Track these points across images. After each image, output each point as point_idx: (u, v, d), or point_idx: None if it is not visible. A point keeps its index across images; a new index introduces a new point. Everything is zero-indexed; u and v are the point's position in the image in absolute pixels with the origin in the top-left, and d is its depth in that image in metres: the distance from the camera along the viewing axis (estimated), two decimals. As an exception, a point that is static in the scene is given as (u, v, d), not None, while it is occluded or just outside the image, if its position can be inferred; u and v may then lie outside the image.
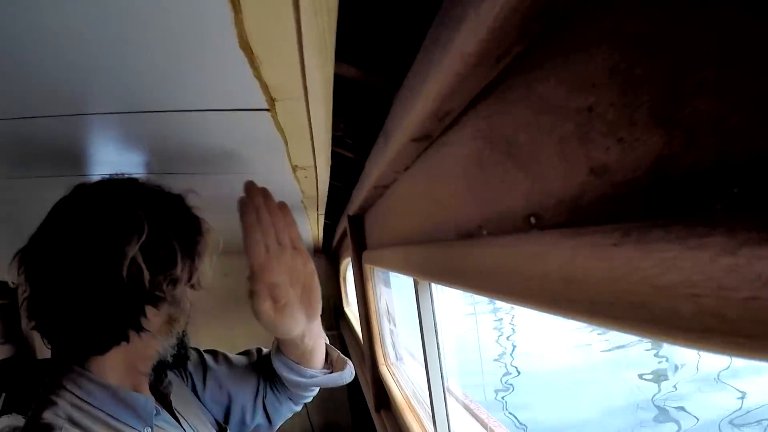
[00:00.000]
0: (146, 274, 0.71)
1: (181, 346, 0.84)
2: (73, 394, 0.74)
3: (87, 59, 0.47)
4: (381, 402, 1.69)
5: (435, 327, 0.89)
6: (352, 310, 3.10)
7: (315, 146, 0.84)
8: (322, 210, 1.85)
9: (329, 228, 2.65)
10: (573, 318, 0.31)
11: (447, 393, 0.92)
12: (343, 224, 1.99)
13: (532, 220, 0.41)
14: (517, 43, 0.37)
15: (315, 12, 0.41)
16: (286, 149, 0.87)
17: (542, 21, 0.34)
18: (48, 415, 0.70)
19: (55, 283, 0.71)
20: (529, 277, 0.35)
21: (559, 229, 0.33)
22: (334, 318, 3.56)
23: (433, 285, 0.95)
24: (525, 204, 0.42)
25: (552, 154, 0.37)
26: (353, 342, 2.76)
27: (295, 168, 1.03)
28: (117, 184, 0.77)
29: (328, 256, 3.67)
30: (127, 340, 0.75)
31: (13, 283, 0.78)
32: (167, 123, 0.69)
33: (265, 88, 0.56)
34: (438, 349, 0.89)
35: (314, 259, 2.82)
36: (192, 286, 0.80)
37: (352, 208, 1.56)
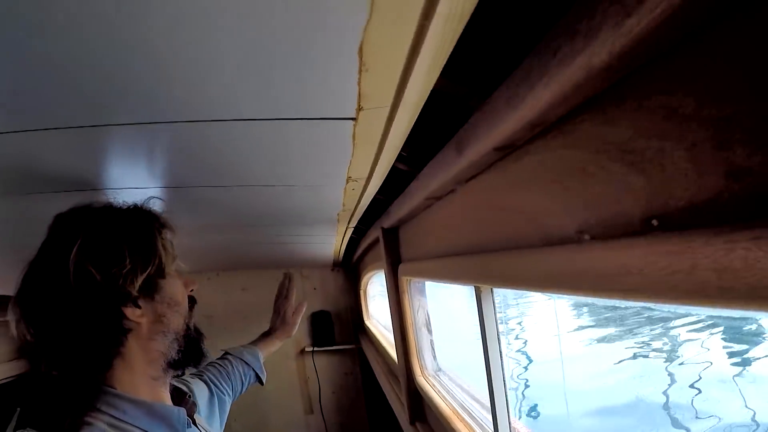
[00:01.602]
0: (97, 275, 0.76)
1: (189, 342, 0.90)
2: (107, 413, 0.78)
3: (169, 69, 0.50)
4: (416, 414, 1.71)
5: (497, 334, 0.92)
6: (373, 323, 3.12)
7: (380, 158, 0.88)
8: (354, 223, 1.88)
9: (352, 242, 2.68)
10: (726, 306, 0.35)
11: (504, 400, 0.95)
12: (372, 237, 2.03)
13: (654, 222, 0.44)
14: (647, 57, 0.41)
15: (446, 18, 0.44)
16: (350, 160, 0.90)
17: (678, 35, 0.38)
18: None
19: (39, 321, 0.77)
20: (671, 272, 0.39)
21: (703, 228, 0.37)
22: (353, 332, 3.58)
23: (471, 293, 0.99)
24: (645, 208, 0.45)
25: (681, 159, 0.40)
26: (376, 355, 2.78)
27: (348, 180, 1.07)
28: (64, 216, 0.83)
29: (345, 270, 3.70)
30: (121, 343, 0.80)
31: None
32: (230, 132, 0.71)
33: (358, 96, 0.60)
34: (501, 355, 0.92)
35: (332, 273, 2.87)
36: (160, 275, 0.85)
37: (389, 221, 1.60)
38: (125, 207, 0.87)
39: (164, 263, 0.85)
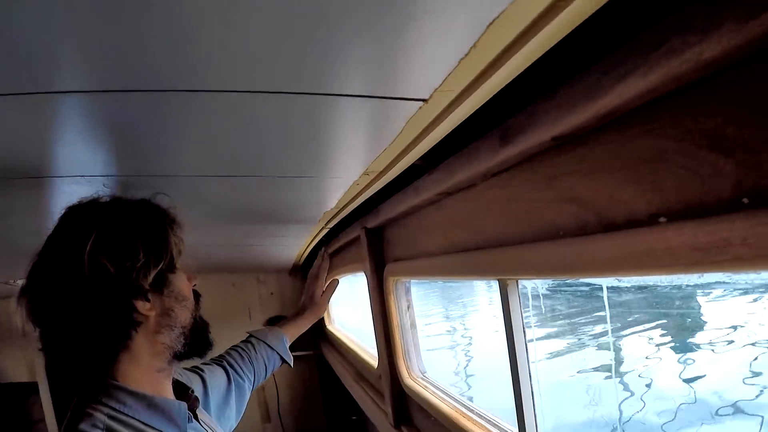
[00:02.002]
0: (111, 268, 0.78)
1: (195, 334, 0.93)
2: (108, 405, 0.81)
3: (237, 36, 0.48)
4: (401, 418, 1.71)
5: (524, 329, 0.94)
6: (336, 328, 3.10)
7: (414, 148, 0.88)
8: (333, 224, 1.87)
9: (317, 244, 2.65)
10: None
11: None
12: (346, 238, 2.02)
13: (745, 200, 0.47)
14: (756, 52, 0.44)
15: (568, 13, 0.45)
16: (384, 149, 0.89)
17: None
18: (85, 426, 0.77)
19: (48, 312, 0.80)
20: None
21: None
22: (312, 338, 3.54)
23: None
24: (734, 189, 0.48)
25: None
26: (342, 360, 2.76)
27: (365, 173, 1.06)
28: (71, 210, 0.86)
29: (304, 275, 3.65)
30: (129, 336, 0.83)
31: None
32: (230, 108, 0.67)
33: (447, 76, 0.59)
34: (527, 351, 0.94)
35: (289, 278, 2.83)
36: (171, 270, 0.89)
37: (375, 220, 1.59)
38: (135, 200, 0.89)
39: (175, 258, 0.89)
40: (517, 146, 0.75)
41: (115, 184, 1.02)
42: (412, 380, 1.60)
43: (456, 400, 1.31)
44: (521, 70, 0.58)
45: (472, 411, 1.22)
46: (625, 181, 0.62)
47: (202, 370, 1.24)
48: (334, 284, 1.78)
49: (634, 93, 0.53)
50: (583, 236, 0.70)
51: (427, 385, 1.51)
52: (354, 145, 0.89)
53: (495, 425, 1.13)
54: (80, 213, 0.85)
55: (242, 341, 1.47)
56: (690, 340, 9.80)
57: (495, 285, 0.94)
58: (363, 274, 1.97)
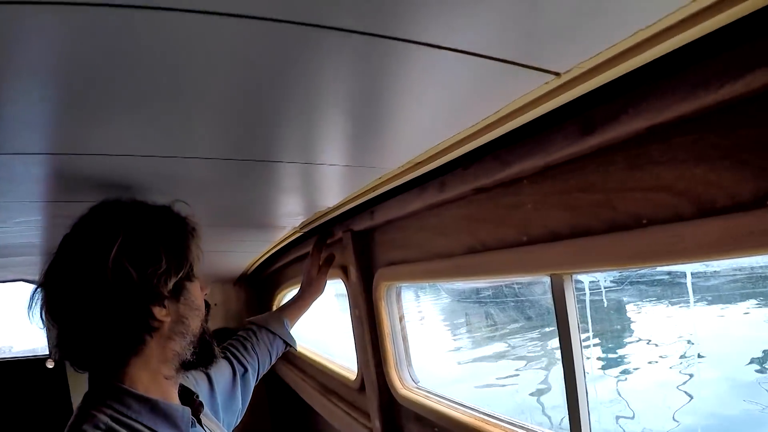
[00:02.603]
0: (133, 273, 0.80)
1: (203, 344, 0.95)
2: (112, 407, 0.82)
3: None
4: (392, 431, 1.63)
5: (578, 326, 0.90)
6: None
7: (488, 131, 0.82)
8: (314, 225, 1.77)
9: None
10: None
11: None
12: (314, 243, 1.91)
13: None
14: None
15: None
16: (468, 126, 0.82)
17: None
18: (87, 427, 0.78)
19: (66, 308, 0.81)
20: None
21: None
22: None
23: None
24: None
25: None
26: (302, 375, 2.64)
27: (409, 163, 0.99)
28: (96, 210, 0.87)
29: (249, 285, 3.48)
30: (143, 342, 0.85)
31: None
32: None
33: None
34: (581, 349, 0.90)
35: (234, 288, 2.70)
36: (189, 278, 0.90)
37: (363, 223, 1.52)
38: (157, 206, 0.91)
39: (194, 267, 0.91)
40: (603, 136, 0.71)
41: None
42: (407, 390, 1.53)
43: (472, 408, 1.25)
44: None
45: (498, 418, 1.17)
46: (726, 168, 0.61)
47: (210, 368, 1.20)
48: (331, 259, 1.72)
49: (756, 85, 0.51)
50: (676, 222, 0.68)
51: (429, 394, 1.44)
52: (431, 124, 0.81)
53: (523, 428, 1.08)
54: (105, 214, 0.86)
55: (243, 330, 1.47)
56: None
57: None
58: (339, 280, 1.88)
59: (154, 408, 0.86)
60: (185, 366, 0.92)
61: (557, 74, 0.59)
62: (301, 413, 2.89)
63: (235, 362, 1.33)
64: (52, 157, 0.85)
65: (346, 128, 0.81)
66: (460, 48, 0.53)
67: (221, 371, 1.28)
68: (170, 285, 0.84)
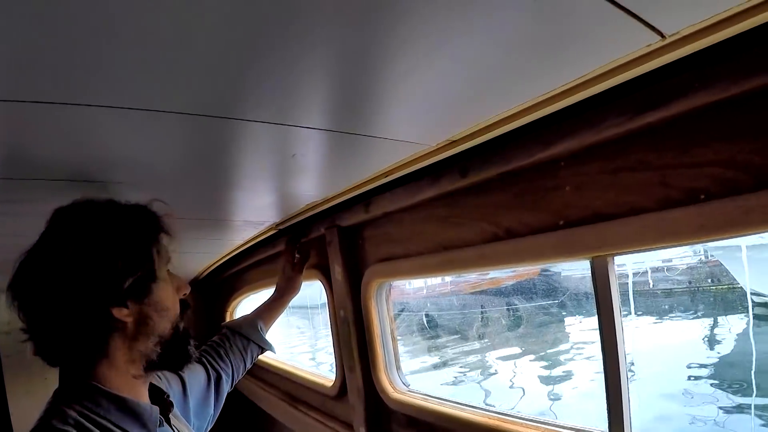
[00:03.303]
0: (90, 274, 0.82)
1: (175, 345, 0.94)
2: (81, 404, 0.83)
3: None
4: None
5: (620, 311, 0.88)
6: None
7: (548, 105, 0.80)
8: (297, 220, 1.68)
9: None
10: None
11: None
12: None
13: None
14: None
15: None
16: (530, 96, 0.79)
17: None
18: (56, 422, 0.80)
19: (31, 309, 0.84)
20: None
21: None
22: None
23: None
24: None
25: None
26: (263, 385, 2.51)
27: (446, 142, 0.94)
28: (64, 210, 0.88)
29: (198, 290, 3.30)
30: (107, 342, 0.86)
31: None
32: None
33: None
34: (623, 334, 0.88)
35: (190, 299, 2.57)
36: (150, 279, 0.90)
37: (353, 217, 1.46)
38: (126, 205, 0.91)
39: (156, 268, 0.90)
40: (661, 112, 0.72)
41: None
42: (399, 394, 1.47)
43: (485, 409, 1.21)
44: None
45: (506, 414, 1.14)
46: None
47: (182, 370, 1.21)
48: (307, 256, 1.73)
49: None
50: (736, 196, 0.69)
51: (427, 396, 1.38)
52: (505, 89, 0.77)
53: (543, 423, 1.05)
54: (68, 215, 0.87)
55: (217, 335, 1.48)
56: None
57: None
58: (316, 281, 1.80)
59: (123, 406, 0.87)
60: (154, 366, 0.92)
61: (662, 36, 0.56)
62: (260, 426, 2.75)
63: (209, 368, 1.34)
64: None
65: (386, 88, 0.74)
66: None
67: (196, 376, 1.28)
68: (126, 286, 0.85)
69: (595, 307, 0.90)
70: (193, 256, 2.47)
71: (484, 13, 0.53)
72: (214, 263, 2.63)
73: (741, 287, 10.60)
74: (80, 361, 0.86)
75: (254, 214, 1.73)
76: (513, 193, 1.01)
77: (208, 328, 3.22)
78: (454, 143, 0.94)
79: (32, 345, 0.85)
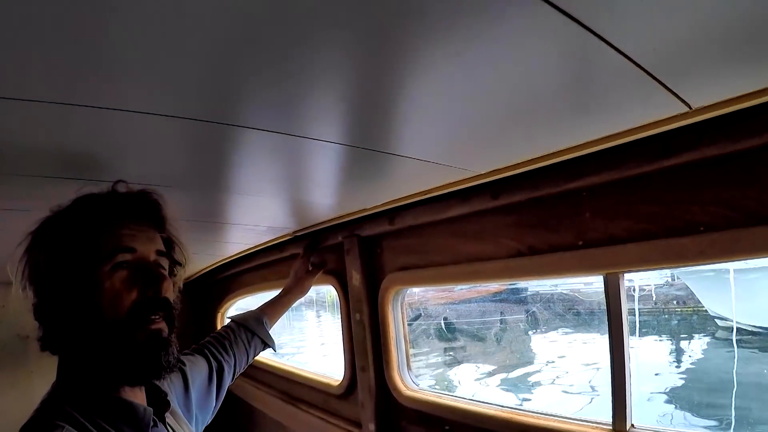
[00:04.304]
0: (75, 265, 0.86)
1: (146, 351, 0.94)
2: (77, 400, 0.86)
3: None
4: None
5: (627, 321, 1.08)
6: None
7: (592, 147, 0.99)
8: (313, 229, 1.85)
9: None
10: None
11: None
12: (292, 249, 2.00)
13: None
14: None
15: None
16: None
17: None
18: (50, 416, 0.83)
19: (42, 301, 0.88)
20: None
21: None
22: None
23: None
24: None
25: None
26: (263, 386, 2.66)
27: (481, 172, 1.13)
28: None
29: (188, 292, 3.41)
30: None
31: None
32: None
33: None
34: (629, 344, 1.08)
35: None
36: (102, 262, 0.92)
37: (373, 228, 1.64)
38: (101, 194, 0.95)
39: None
40: (674, 160, 0.95)
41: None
42: (412, 392, 1.65)
43: (495, 403, 1.40)
44: None
45: (523, 409, 1.33)
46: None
47: (183, 363, 1.27)
48: (323, 264, 1.85)
49: None
50: (729, 230, 0.91)
51: (440, 393, 1.57)
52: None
53: (551, 415, 1.24)
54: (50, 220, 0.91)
55: (223, 326, 1.52)
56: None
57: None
58: (330, 286, 1.98)
59: (116, 405, 0.89)
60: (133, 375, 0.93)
61: (689, 107, 0.76)
62: (253, 425, 2.89)
63: (211, 359, 1.37)
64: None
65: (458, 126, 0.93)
66: (626, 53, 0.64)
67: (198, 368, 1.31)
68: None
69: (606, 315, 1.11)
70: (196, 256, 2.60)
71: (520, 61, 0.66)
72: (214, 264, 2.76)
73: (705, 310, 11.24)
74: (79, 355, 0.89)
75: (272, 220, 1.89)
76: (538, 216, 1.22)
77: (197, 330, 3.34)
78: (490, 173, 1.14)
79: (41, 332, 0.89)
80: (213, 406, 1.33)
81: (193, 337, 3.36)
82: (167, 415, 1.02)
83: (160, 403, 1.00)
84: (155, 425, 0.95)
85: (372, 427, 1.77)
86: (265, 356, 2.67)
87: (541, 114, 0.87)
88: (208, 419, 1.31)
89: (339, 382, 1.99)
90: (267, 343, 1.55)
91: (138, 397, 0.94)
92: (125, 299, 0.86)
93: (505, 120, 0.90)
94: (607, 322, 1.11)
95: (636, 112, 0.85)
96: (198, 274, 3.04)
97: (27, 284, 0.88)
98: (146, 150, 0.99)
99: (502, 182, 1.21)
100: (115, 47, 0.57)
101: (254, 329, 1.52)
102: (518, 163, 1.10)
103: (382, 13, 0.53)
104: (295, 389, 2.37)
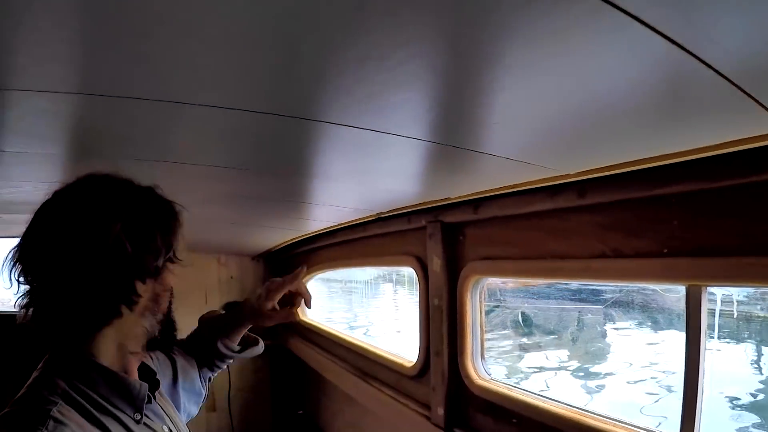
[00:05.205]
0: (129, 248, 0.90)
1: (169, 323, 1.07)
2: (70, 374, 0.90)
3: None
4: (455, 420, 1.84)
5: (706, 335, 1.11)
6: (310, 319, 3.19)
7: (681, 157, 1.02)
8: (399, 212, 1.95)
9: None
10: None
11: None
12: (390, 228, 2.11)
13: None
14: None
15: None
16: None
17: None
18: (44, 391, 0.87)
19: (51, 270, 0.89)
20: None
21: None
22: (271, 328, 3.58)
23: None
24: None
25: None
26: (328, 356, 2.84)
27: (568, 172, 1.18)
28: (92, 180, 0.97)
29: (267, 262, 3.66)
30: (119, 314, 0.94)
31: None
32: None
33: None
34: (705, 358, 1.11)
35: (252, 263, 2.93)
36: (171, 260, 1.02)
37: (457, 216, 1.72)
38: (144, 187, 1.01)
39: (177, 251, 1.03)
40: None
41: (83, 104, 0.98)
42: (483, 381, 1.73)
43: (565, 402, 1.46)
44: None
45: (592, 411, 1.38)
46: None
47: (175, 354, 1.37)
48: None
49: None
50: None
51: (510, 386, 1.65)
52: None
53: (619, 422, 1.29)
54: (105, 187, 0.96)
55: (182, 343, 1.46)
56: None
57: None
58: (409, 268, 2.08)
59: (113, 381, 0.94)
60: (152, 344, 1.03)
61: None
62: (322, 395, 3.09)
63: (179, 370, 1.36)
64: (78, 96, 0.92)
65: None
66: (716, 67, 0.66)
67: (188, 363, 1.39)
68: (159, 264, 0.97)
69: (685, 327, 1.14)
70: (276, 230, 2.80)
71: (606, 71, 0.71)
72: (292, 239, 2.95)
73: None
74: (84, 329, 0.93)
75: (356, 203, 2.02)
76: (625, 219, 1.25)
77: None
78: (577, 174, 1.19)
79: (28, 311, 0.91)
80: (203, 394, 1.45)
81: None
82: (157, 393, 1.10)
83: (151, 381, 1.06)
84: (149, 402, 1.02)
85: (441, 411, 1.87)
86: (341, 330, 2.85)
87: (628, 122, 0.91)
88: (201, 403, 1.45)
89: (413, 364, 2.11)
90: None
91: (133, 374, 1.01)
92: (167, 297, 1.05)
93: (592, 125, 0.96)
94: (685, 334, 1.14)
95: (728, 126, 0.88)
96: (279, 246, 3.24)
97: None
98: (241, 139, 1.18)
99: (590, 181, 1.26)
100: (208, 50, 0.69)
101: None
102: (606, 167, 1.14)
103: (474, 10, 0.57)
104: (368, 366, 2.52)
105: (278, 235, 2.93)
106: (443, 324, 1.86)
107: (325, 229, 2.58)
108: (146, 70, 0.76)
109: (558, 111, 0.89)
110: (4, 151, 1.32)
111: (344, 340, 2.76)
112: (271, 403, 3.82)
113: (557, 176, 1.25)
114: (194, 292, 3.49)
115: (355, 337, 2.79)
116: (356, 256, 2.59)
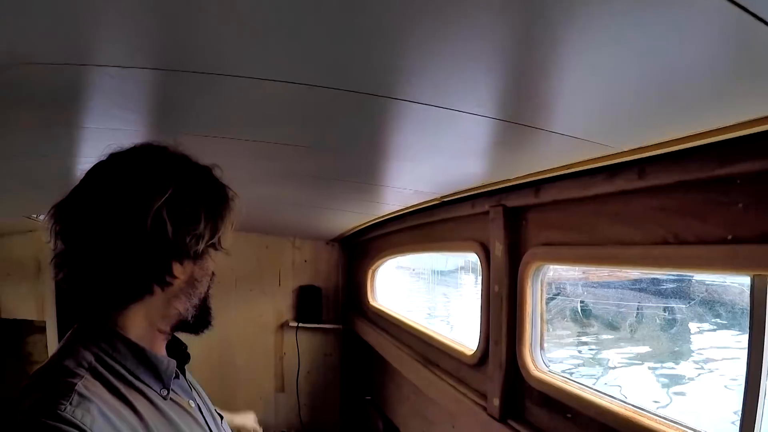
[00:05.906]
0: (170, 227, 0.89)
1: (204, 310, 1.05)
2: (99, 347, 0.90)
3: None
4: (510, 411, 1.83)
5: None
6: (380, 304, 3.25)
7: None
8: (462, 195, 1.96)
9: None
10: None
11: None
12: (454, 213, 2.11)
13: None
14: None
15: None
16: None
17: None
18: (70, 363, 0.87)
19: (87, 235, 0.89)
20: None
21: None
22: (341, 312, 3.71)
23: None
24: None
25: None
26: (393, 341, 2.89)
27: (629, 148, 1.14)
28: (147, 150, 0.97)
29: (342, 246, 3.76)
30: (151, 292, 0.93)
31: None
32: None
33: None
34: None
35: (326, 247, 2.99)
36: (214, 246, 1.00)
37: (519, 199, 1.69)
38: (201, 165, 1.01)
39: (222, 237, 1.01)
40: None
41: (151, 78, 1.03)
42: (540, 373, 1.71)
43: (622, 400, 1.41)
44: None
45: (650, 411, 1.33)
46: None
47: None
48: None
49: None
50: None
51: (568, 380, 1.62)
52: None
53: (675, 423, 1.24)
54: (157, 159, 0.95)
55: None
56: None
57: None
58: (472, 253, 2.08)
59: (141, 355, 0.93)
60: (183, 327, 1.02)
61: None
62: (390, 382, 3.15)
63: None
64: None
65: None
66: None
67: None
68: (200, 248, 0.95)
69: (749, 320, 1.07)
70: (347, 214, 2.87)
71: (672, 41, 0.70)
72: (363, 224, 3.01)
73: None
74: (114, 301, 0.93)
75: (420, 184, 2.05)
76: (687, 201, 1.20)
77: (349, 282, 3.69)
78: (636, 150, 1.15)
79: (59, 272, 0.92)
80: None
81: (344, 290, 3.73)
82: (186, 367, 1.10)
83: (181, 355, 1.07)
84: (176, 377, 1.01)
85: (496, 402, 1.86)
86: (405, 316, 2.89)
87: (689, 93, 0.89)
88: None
89: (473, 352, 2.12)
90: None
91: (161, 350, 1.01)
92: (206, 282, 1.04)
93: (651, 97, 0.94)
94: (749, 326, 1.08)
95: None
96: (351, 232, 3.32)
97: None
98: (311, 116, 1.23)
99: (649, 161, 1.21)
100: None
101: None
102: (664, 142, 1.09)
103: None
104: (431, 353, 2.55)
105: (347, 218, 3.01)
106: (503, 312, 1.85)
107: (392, 213, 2.62)
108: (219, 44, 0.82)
109: (620, 83, 0.88)
110: (84, 128, 1.45)
111: (408, 326, 2.80)
112: (340, 388, 3.94)
113: (614, 154, 1.21)
114: (267, 274, 3.65)
115: (419, 322, 2.82)
116: (423, 240, 2.61)
